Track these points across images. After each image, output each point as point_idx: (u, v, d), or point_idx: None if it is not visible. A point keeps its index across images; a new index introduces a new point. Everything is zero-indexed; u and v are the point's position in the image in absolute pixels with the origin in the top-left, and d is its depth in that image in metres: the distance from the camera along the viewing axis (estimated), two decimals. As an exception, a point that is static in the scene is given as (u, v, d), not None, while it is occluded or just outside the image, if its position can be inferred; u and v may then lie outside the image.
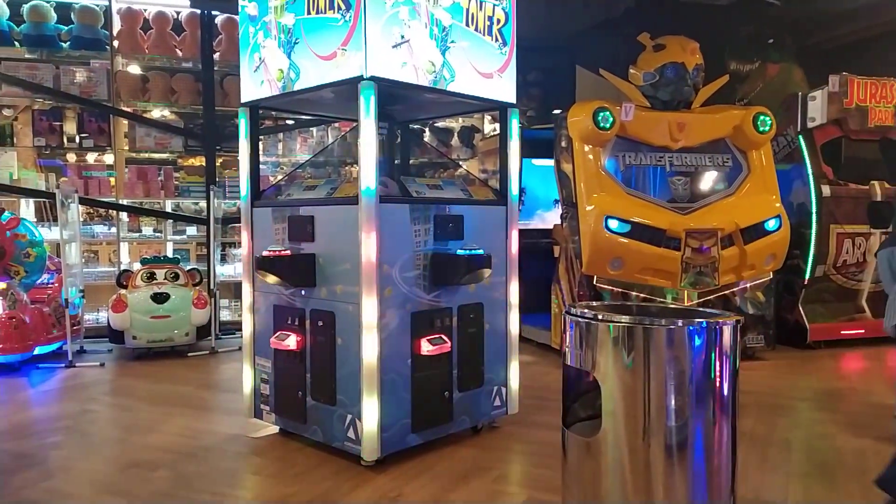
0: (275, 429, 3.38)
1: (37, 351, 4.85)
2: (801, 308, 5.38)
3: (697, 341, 1.82)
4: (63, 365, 4.85)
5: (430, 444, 3.10)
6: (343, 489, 2.72)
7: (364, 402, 2.80)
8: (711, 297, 4.77)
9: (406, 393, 2.95)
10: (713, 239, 4.60)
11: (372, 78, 2.73)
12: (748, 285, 4.95)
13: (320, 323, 3.01)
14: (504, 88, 3.31)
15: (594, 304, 2.24)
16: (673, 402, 1.82)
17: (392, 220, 2.88)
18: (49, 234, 5.54)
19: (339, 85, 2.85)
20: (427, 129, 7.09)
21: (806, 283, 5.37)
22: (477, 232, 3.23)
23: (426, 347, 2.96)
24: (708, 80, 5.08)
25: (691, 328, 1.82)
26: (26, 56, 6.02)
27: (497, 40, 3.25)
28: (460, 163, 7.05)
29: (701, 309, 2.17)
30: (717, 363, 1.85)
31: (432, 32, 2.96)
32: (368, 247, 2.76)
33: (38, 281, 5.28)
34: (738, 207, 4.82)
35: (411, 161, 4.21)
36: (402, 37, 2.84)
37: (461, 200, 3.24)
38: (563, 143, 4.87)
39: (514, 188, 3.42)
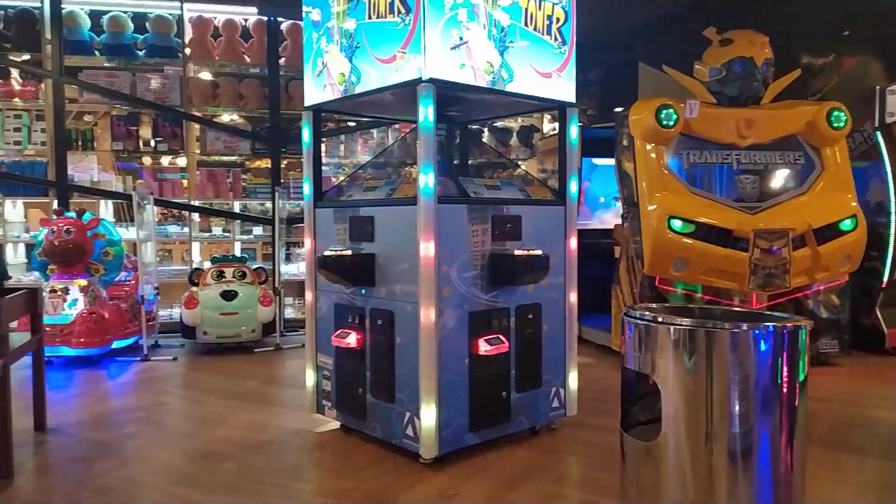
0: (336, 424, 3.46)
1: (115, 345, 5.12)
2: (878, 312, 5.10)
3: (763, 346, 1.77)
4: (139, 358, 5.10)
5: (487, 443, 3.11)
6: (402, 485, 2.76)
7: (422, 400, 2.84)
8: (782, 299, 4.59)
9: (464, 392, 2.97)
10: (784, 239, 4.43)
11: (430, 80, 2.76)
12: (822, 288, 4.74)
13: (380, 322, 3.07)
14: (563, 88, 3.28)
15: (654, 305, 2.20)
16: (737, 407, 1.78)
17: (450, 220, 2.90)
18: (126, 233, 5.84)
19: (398, 88, 2.90)
20: (486, 130, 7.10)
21: (884, 285, 5.10)
22: (535, 232, 3.22)
23: (484, 347, 2.97)
24: (778, 75, 4.89)
25: (757, 332, 1.77)
26: (105, 64, 6.34)
27: (556, 39, 3.23)
28: (519, 163, 7.04)
29: (768, 312, 2.10)
30: (785, 368, 1.79)
31: (490, 33, 2.96)
32: (426, 247, 2.80)
33: (116, 278, 5.56)
34: (811, 207, 4.62)
35: (470, 161, 4.23)
36: (461, 39, 2.86)
37: (519, 201, 3.24)
38: (625, 142, 4.79)
39: (572, 188, 3.39)
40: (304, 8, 3.37)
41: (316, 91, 3.34)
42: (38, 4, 6.00)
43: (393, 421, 3.03)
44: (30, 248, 6.10)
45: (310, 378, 3.50)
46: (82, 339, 4.86)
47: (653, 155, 4.62)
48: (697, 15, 5.87)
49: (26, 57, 6.11)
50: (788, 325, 1.80)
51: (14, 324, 3.47)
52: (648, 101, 4.65)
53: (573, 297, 3.40)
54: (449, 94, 3.01)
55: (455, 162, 3.87)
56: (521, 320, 3.18)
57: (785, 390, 1.79)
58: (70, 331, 4.84)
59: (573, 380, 3.42)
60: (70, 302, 4.96)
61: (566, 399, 3.41)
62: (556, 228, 3.35)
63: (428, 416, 2.84)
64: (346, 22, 3.10)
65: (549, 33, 3.20)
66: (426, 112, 2.78)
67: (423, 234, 2.79)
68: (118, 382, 4.57)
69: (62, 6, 5.98)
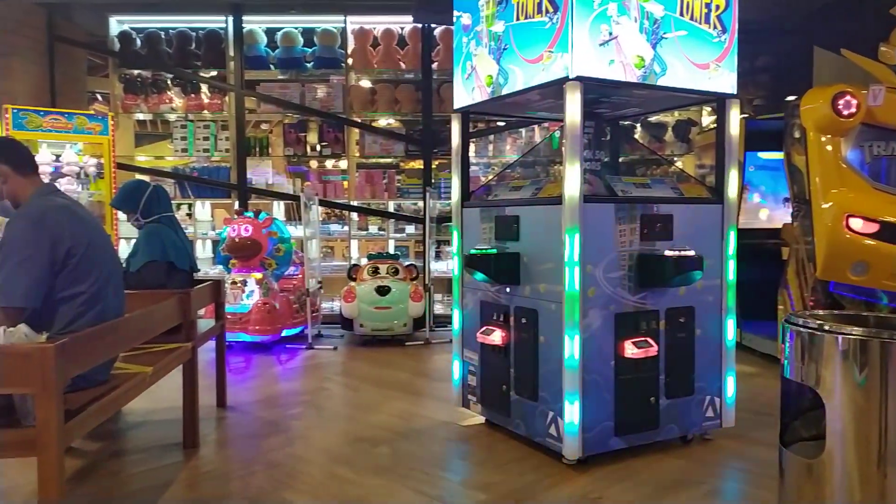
0: (481, 419, 3.54)
1: (284, 333, 5.61)
2: None
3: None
4: (304, 346, 5.55)
5: (634, 449, 3.02)
6: (544, 484, 2.77)
7: (566, 400, 2.82)
8: None
9: (609, 395, 2.92)
10: None
11: (577, 78, 2.73)
12: None
13: (524, 320, 3.09)
14: (722, 78, 3.10)
15: (820, 312, 2.02)
16: (917, 429, 1.59)
17: (596, 219, 2.86)
18: (295, 231, 6.37)
19: (545, 87, 2.90)
20: (639, 125, 6.85)
21: None
22: (688, 232, 3.07)
23: (630, 350, 2.89)
24: None
25: (944, 346, 1.57)
26: (279, 77, 6.96)
27: (715, 28, 3.06)
28: (675, 159, 6.71)
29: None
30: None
31: (642, 26, 2.87)
32: (572, 247, 2.77)
33: (286, 272, 6.07)
34: None
35: (621, 158, 4.11)
36: (611, 34, 2.80)
37: (670, 199, 3.11)
38: (796, 134, 4.40)
39: (731, 185, 3.19)
40: (455, 13, 3.47)
41: (465, 94, 3.43)
42: (224, 25, 6.72)
43: (536, 419, 3.04)
44: (215, 244, 6.86)
45: (456, 372, 3.61)
46: (257, 327, 5.38)
47: (828, 147, 4.20)
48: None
49: (213, 73, 6.87)
50: None
51: (201, 311, 3.93)
52: (824, 88, 4.24)
53: (731, 300, 3.20)
54: (597, 91, 2.96)
55: (605, 159, 3.79)
56: (672, 324, 3.05)
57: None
58: (247, 319, 5.38)
59: (730, 389, 3.22)
60: (247, 293, 5.50)
61: (722, 409, 3.21)
62: (713, 228, 3.17)
63: (571, 416, 2.82)
64: (494, 24, 3.16)
65: (707, 22, 3.04)
66: (572, 110, 2.76)
67: (567, 233, 2.78)
68: (286, 367, 5.00)
69: (243, 25, 6.66)
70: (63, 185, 5.73)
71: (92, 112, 6.39)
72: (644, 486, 2.73)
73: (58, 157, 5.96)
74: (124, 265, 3.61)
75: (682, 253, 2.91)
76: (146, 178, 5.75)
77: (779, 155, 4.75)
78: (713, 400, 3.19)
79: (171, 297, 3.08)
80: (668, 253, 2.90)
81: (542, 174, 5.81)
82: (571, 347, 2.80)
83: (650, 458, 3.01)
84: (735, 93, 3.16)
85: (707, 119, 6.83)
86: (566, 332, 2.80)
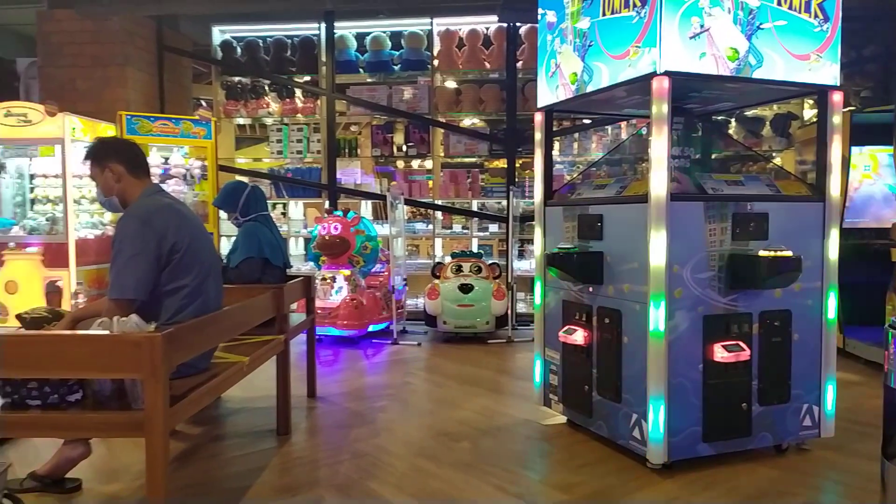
0: (562, 419, 3.51)
1: (370, 328, 5.78)
2: None
3: None
4: (389, 342, 5.69)
5: (723, 456, 2.92)
6: (627, 487, 2.72)
7: (650, 403, 2.76)
8: None
9: (696, 399, 2.83)
10: None
11: (665, 73, 2.67)
12: None
13: (607, 320, 3.05)
14: (823, 70, 2.93)
15: (930, 318, 1.88)
16: None
17: (684, 218, 2.78)
18: (381, 230, 6.53)
19: (631, 83, 2.85)
20: (733, 120, 6.56)
21: None
22: (785, 231, 2.93)
23: (720, 354, 2.79)
24: None
25: None
26: (367, 80, 7.17)
27: (817, 17, 2.90)
28: (773, 155, 6.38)
29: None
30: None
31: (736, 17, 2.77)
32: (657, 246, 2.71)
33: (373, 270, 6.25)
34: None
35: (713, 155, 3.97)
36: (702, 26, 2.71)
37: (765, 197, 2.97)
38: (908, 127, 4.09)
39: (834, 182, 3.01)
40: (540, 10, 3.47)
41: (548, 92, 3.42)
42: (317, 32, 6.99)
43: (619, 421, 3.00)
44: (307, 241, 7.15)
45: (538, 371, 3.61)
46: (345, 322, 5.57)
47: (947, 140, 3.89)
48: None
49: (307, 78, 7.15)
50: None
51: (293, 306, 4.11)
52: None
53: (832, 304, 3.02)
54: (686, 86, 2.87)
55: (696, 156, 3.66)
56: (766, 327, 2.92)
57: None
58: (336, 314, 5.58)
59: (830, 397, 3.05)
60: (336, 289, 5.70)
61: (820, 418, 3.05)
62: (813, 227, 3.01)
63: (656, 420, 2.75)
64: (580, 21, 3.13)
65: (807, 10, 2.89)
66: (659, 106, 2.69)
67: (653, 232, 2.72)
68: (372, 361, 5.15)
69: (334, 31, 6.89)
70: (170, 186, 6.15)
71: (196, 117, 6.81)
72: (733, 496, 2.63)
73: (166, 159, 6.39)
74: (224, 261, 3.84)
75: (778, 253, 2.78)
76: (245, 179, 6.07)
77: (888, 150, 4.43)
78: (811, 408, 3.03)
79: (265, 292, 3.26)
80: (762, 253, 2.78)
81: (628, 172, 5.68)
82: (656, 349, 2.73)
83: (741, 466, 2.90)
84: (838, 84, 2.99)
85: (809, 112, 6.45)
86: (651, 333, 2.74)
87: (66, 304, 5.29)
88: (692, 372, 2.82)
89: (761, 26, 2.80)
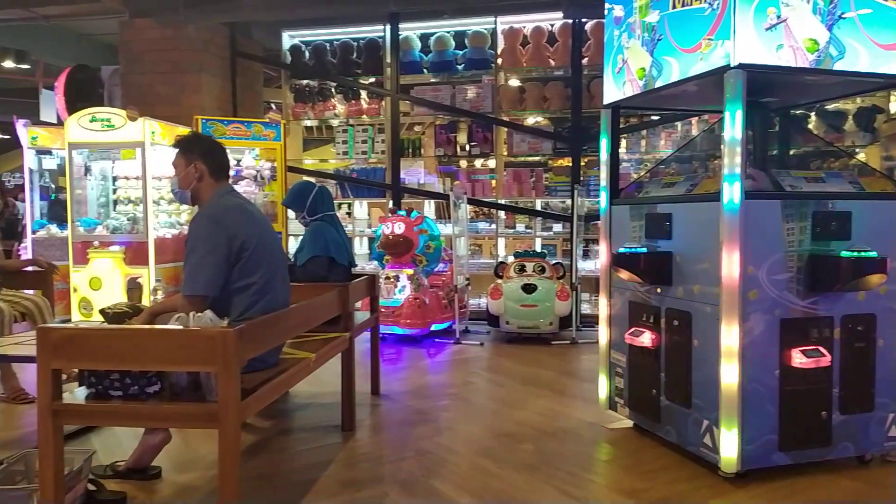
0: (628, 423, 3.43)
1: (433, 327, 5.81)
2: None
3: None
4: (452, 341, 5.71)
5: (801, 466, 2.78)
6: (698, 496, 2.63)
7: (722, 410, 2.66)
8: None
9: (772, 406, 2.71)
10: None
11: (740, 66, 2.57)
12: None
13: (676, 323, 2.96)
14: (913, 59, 2.75)
15: None
16: None
17: (760, 217, 2.66)
18: (444, 229, 6.56)
19: (702, 77, 2.76)
20: (813, 114, 6.24)
21: None
22: (870, 231, 2.77)
23: (798, 359, 2.66)
24: None
25: None
26: (431, 80, 7.21)
27: (906, 3, 2.72)
28: (856, 150, 6.04)
29: None
30: None
31: (816, 7, 2.63)
32: (730, 246, 2.61)
33: (436, 269, 6.27)
34: None
35: (792, 151, 3.79)
36: (779, 17, 2.60)
37: (848, 195, 2.82)
38: None
39: (925, 178, 2.83)
40: (607, 6, 3.40)
41: (615, 89, 3.34)
42: (382, 34, 7.08)
43: (689, 427, 2.90)
44: (371, 241, 7.25)
45: (603, 374, 3.54)
46: (408, 321, 5.62)
47: None
48: None
49: (372, 79, 7.26)
50: None
51: (358, 304, 4.18)
52: None
53: (922, 308, 2.84)
54: (762, 79, 2.75)
55: (773, 152, 3.51)
56: (848, 332, 2.76)
57: None
58: (399, 312, 5.63)
59: (919, 408, 2.86)
60: (399, 288, 5.76)
61: (908, 429, 2.87)
62: (900, 227, 2.84)
63: (729, 427, 2.65)
64: (648, 15, 3.05)
65: (896, -3, 2.72)
66: (733, 101, 2.59)
67: (726, 232, 2.62)
68: (435, 360, 5.18)
69: (399, 33, 6.97)
70: (242, 186, 6.37)
71: (266, 120, 7.02)
72: (811, 508, 2.51)
73: (238, 161, 6.62)
74: (292, 259, 3.94)
75: (861, 254, 2.63)
76: (311, 179, 6.22)
77: None
78: (898, 419, 2.85)
79: (331, 290, 3.32)
80: (844, 254, 2.64)
81: (698, 169, 5.50)
82: (730, 353, 2.63)
83: (820, 477, 2.76)
84: (930, 74, 2.80)
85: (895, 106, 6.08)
86: (724, 336, 2.64)
87: (146, 300, 5.55)
88: (768, 377, 2.70)
89: (843, 16, 2.66)
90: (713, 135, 5.79)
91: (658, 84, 3.00)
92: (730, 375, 2.64)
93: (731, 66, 2.57)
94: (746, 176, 2.65)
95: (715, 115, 4.20)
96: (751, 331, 2.66)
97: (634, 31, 3.16)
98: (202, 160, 2.72)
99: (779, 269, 2.70)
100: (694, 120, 6.32)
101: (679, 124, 6.49)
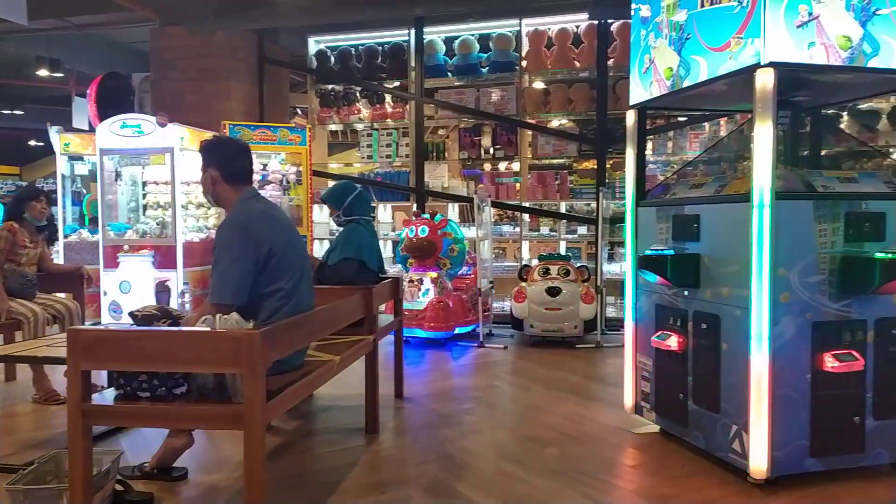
0: (655, 428, 3.38)
1: (457, 331, 5.80)
2: None
3: None
4: (475, 344, 5.69)
5: (833, 473, 2.71)
6: (726, 502, 2.58)
7: (752, 415, 2.61)
8: None
9: (804, 411, 2.64)
10: None
11: (770, 64, 2.52)
12: None
13: (704, 326, 2.91)
14: (951, 55, 2.67)
15: None
16: None
17: (791, 218, 2.61)
18: (468, 232, 6.54)
19: (732, 76, 2.71)
20: (846, 114, 6.11)
21: None
22: (906, 232, 2.70)
23: (831, 363, 2.60)
24: None
25: None
26: (455, 84, 7.21)
27: (943, -3, 2.65)
28: (891, 150, 5.89)
29: None
30: None
31: (849, 3, 2.57)
32: (761, 248, 2.56)
33: (460, 272, 6.27)
34: None
35: (824, 151, 3.71)
36: (810, 14, 2.54)
37: (883, 195, 2.75)
38: None
39: (964, 178, 2.74)
40: (634, 5, 3.36)
41: (641, 89, 3.30)
42: (406, 38, 7.11)
43: (717, 432, 2.85)
44: (395, 244, 7.27)
45: (629, 378, 3.49)
46: (432, 324, 5.62)
47: None
48: None
49: (396, 84, 7.29)
50: None
51: (382, 307, 4.18)
52: None
53: (961, 312, 2.75)
54: (793, 78, 2.70)
55: (804, 153, 3.44)
56: (883, 336, 2.69)
57: None
58: (423, 316, 5.63)
59: (959, 415, 2.77)
60: (423, 291, 5.76)
61: (948, 437, 2.78)
62: (938, 228, 2.75)
63: (759, 433, 2.59)
64: (676, 14, 3.01)
65: (932, -8, 2.64)
66: (764, 100, 2.54)
67: (755, 233, 2.57)
68: (458, 363, 5.16)
69: (423, 37, 6.99)
70: (268, 191, 6.44)
71: (293, 125, 7.09)
72: (845, 517, 2.44)
73: (264, 166, 6.69)
74: (323, 258, 3.96)
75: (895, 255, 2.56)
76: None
77: None
78: (936, 426, 2.76)
79: (355, 293, 3.33)
80: (877, 255, 2.57)
81: (727, 170, 5.42)
82: (760, 357, 2.58)
83: (853, 484, 2.69)
84: (968, 71, 2.71)
85: (933, 104, 5.91)
86: (754, 340, 2.59)
87: (174, 303, 5.63)
88: (799, 382, 2.64)
89: (878, 12, 2.59)
90: (742, 135, 5.70)
91: (686, 84, 2.95)
92: (760, 380, 2.58)
93: (762, 64, 2.52)
94: (777, 176, 2.59)
95: (744, 114, 4.13)
96: (782, 334, 2.60)
97: (662, 30, 3.12)
98: (213, 166, 2.73)
99: (811, 271, 2.64)
100: (722, 121, 6.22)
101: (707, 125, 6.39)
